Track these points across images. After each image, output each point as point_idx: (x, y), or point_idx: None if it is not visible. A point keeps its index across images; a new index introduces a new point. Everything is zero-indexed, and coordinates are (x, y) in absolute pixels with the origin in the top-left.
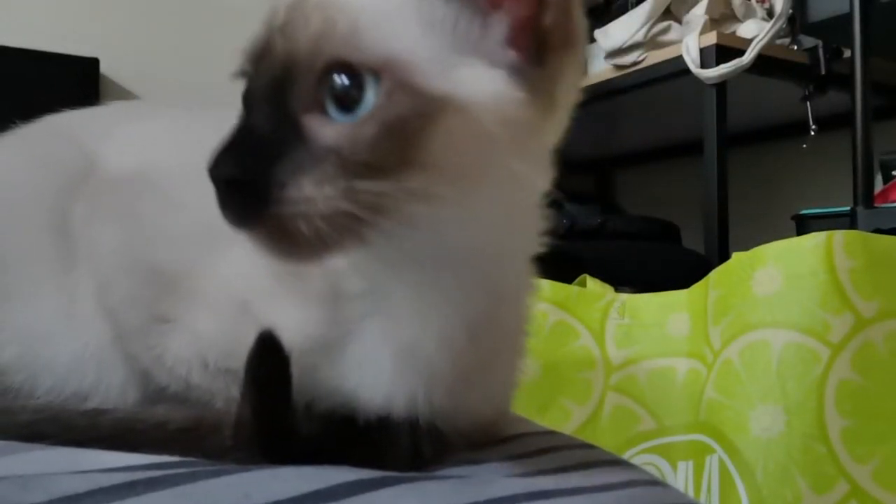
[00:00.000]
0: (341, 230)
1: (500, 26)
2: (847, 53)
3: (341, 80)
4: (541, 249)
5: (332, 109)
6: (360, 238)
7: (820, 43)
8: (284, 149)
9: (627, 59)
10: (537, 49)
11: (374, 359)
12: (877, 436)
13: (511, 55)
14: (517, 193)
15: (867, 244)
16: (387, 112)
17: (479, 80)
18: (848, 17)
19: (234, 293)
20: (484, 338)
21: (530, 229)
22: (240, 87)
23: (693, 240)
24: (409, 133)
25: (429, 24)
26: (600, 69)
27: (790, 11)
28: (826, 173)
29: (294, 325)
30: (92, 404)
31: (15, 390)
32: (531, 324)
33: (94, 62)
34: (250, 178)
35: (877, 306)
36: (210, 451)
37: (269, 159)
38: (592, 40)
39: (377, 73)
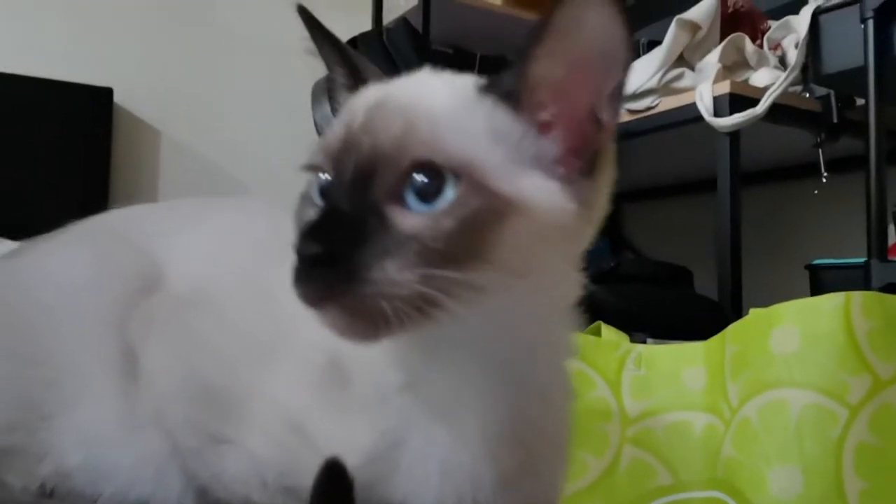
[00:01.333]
0: (415, 311)
1: (553, 147)
2: (859, 101)
3: (423, 177)
4: (573, 358)
5: (411, 200)
6: (429, 319)
7: (832, 91)
8: (368, 233)
9: (641, 104)
10: (586, 167)
11: (422, 467)
12: (895, 498)
13: (561, 171)
14: (555, 295)
15: (885, 305)
16: (464, 208)
17: (540, 189)
18: (860, 70)
19: (287, 413)
20: (526, 440)
21: (566, 333)
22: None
23: (703, 279)
24: (481, 228)
25: (497, 136)
26: None
27: (804, 62)
28: (838, 216)
29: (344, 439)
30: None
31: (78, 494)
32: (573, 433)
33: (108, 92)
34: (337, 257)
35: (894, 368)
36: None
37: (354, 241)
38: None
39: (457, 174)
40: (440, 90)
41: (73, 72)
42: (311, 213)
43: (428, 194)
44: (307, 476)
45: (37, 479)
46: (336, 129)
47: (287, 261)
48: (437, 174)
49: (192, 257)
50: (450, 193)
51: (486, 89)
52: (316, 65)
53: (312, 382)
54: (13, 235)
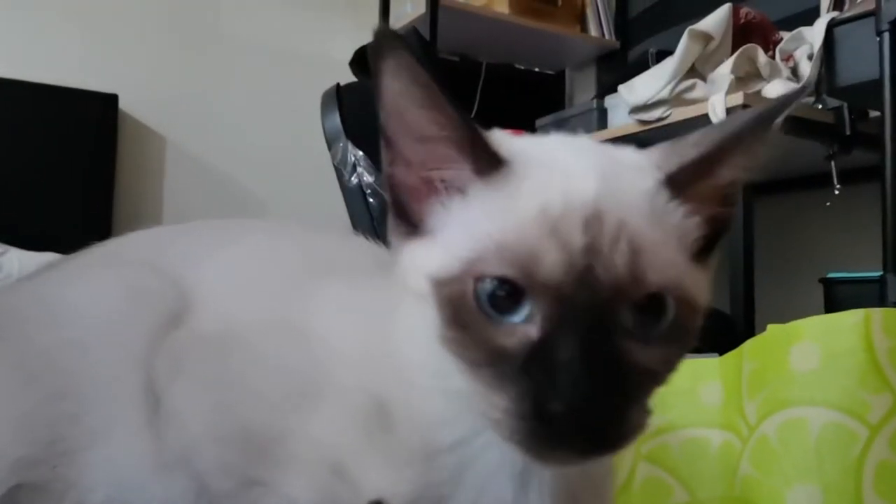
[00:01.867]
0: None
1: (700, 236)
2: (871, 114)
3: (652, 307)
4: None
5: (639, 332)
6: None
7: (845, 104)
8: (618, 378)
9: (652, 114)
10: (711, 249)
11: None
12: None
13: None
14: None
15: None
16: (682, 330)
17: (700, 283)
18: (875, 82)
19: (326, 455)
20: (579, 496)
21: None
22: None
23: (714, 291)
24: (691, 343)
25: (681, 242)
26: (624, 123)
27: (818, 73)
28: (851, 228)
29: (387, 486)
30: None
31: None
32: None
33: (113, 98)
34: (610, 413)
35: None
36: None
37: (615, 390)
38: (614, 91)
39: (673, 295)
40: (634, 186)
41: (79, 78)
42: (502, 337)
43: (654, 322)
44: None
45: None
46: (542, 244)
47: (317, 287)
48: (661, 300)
49: (222, 288)
50: (669, 316)
51: (668, 185)
52: (319, 71)
53: (356, 424)
54: (18, 241)
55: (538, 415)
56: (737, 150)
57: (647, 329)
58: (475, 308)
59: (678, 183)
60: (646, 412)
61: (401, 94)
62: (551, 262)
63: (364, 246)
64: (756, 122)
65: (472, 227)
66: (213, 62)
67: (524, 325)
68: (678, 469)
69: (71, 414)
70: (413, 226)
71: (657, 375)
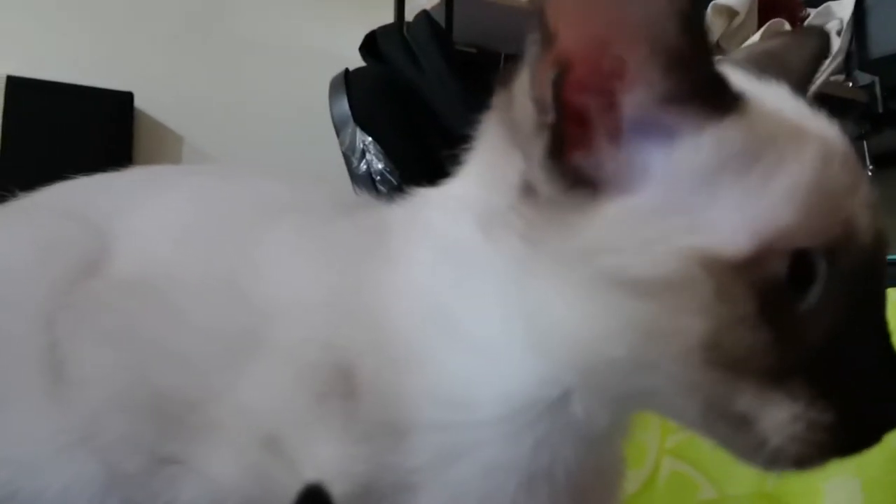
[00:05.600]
0: None
1: None
2: None
3: None
4: None
5: None
6: None
7: (877, 79)
8: None
9: None
10: None
11: None
12: None
13: None
14: None
15: None
16: None
17: None
18: None
19: (258, 424)
20: (591, 493)
21: None
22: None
23: None
24: None
25: None
26: None
27: (848, 48)
28: (884, 210)
29: (335, 464)
30: None
31: None
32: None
33: (128, 96)
34: None
35: None
36: None
37: None
38: None
39: None
40: None
41: (93, 76)
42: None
43: None
44: None
45: None
46: (853, 201)
47: (264, 231)
48: None
49: (151, 235)
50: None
51: None
52: (336, 70)
53: (301, 386)
54: None
55: (861, 416)
56: None
57: None
58: (780, 296)
59: None
60: None
61: None
62: (866, 223)
63: (322, 187)
64: None
65: (729, 188)
66: (229, 60)
67: (817, 311)
68: (705, 464)
69: None
70: (579, 178)
71: None
